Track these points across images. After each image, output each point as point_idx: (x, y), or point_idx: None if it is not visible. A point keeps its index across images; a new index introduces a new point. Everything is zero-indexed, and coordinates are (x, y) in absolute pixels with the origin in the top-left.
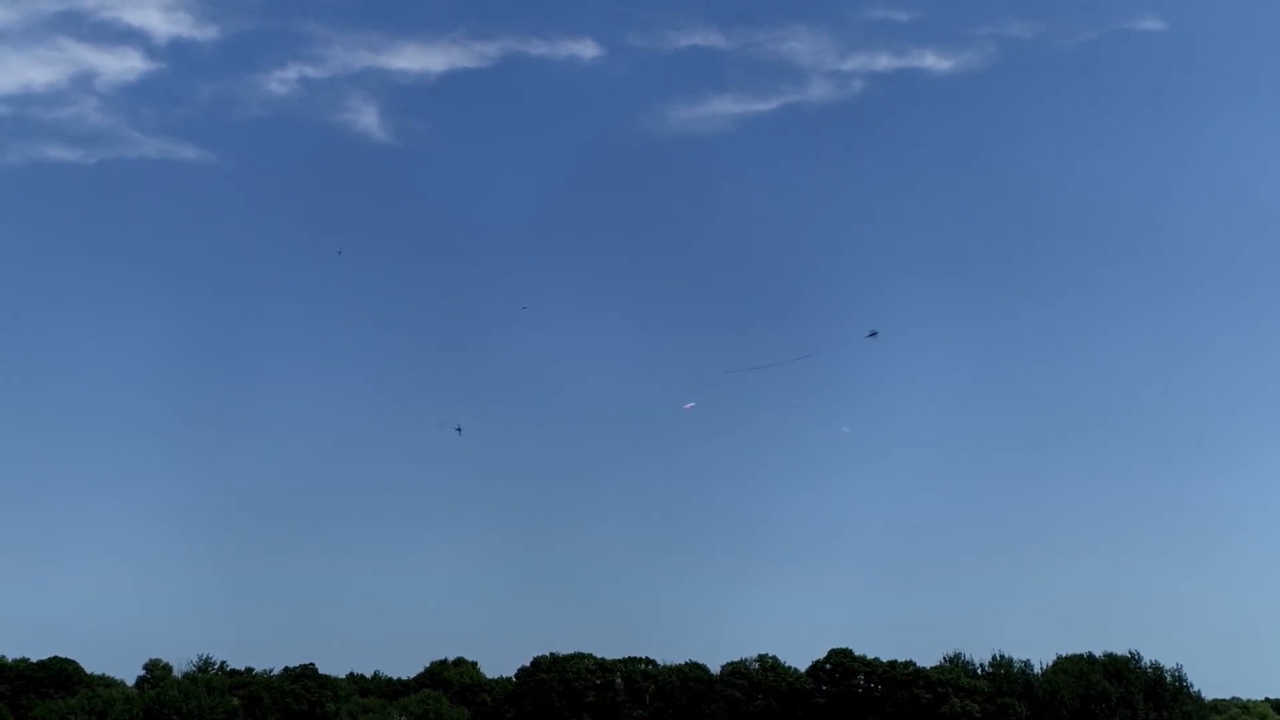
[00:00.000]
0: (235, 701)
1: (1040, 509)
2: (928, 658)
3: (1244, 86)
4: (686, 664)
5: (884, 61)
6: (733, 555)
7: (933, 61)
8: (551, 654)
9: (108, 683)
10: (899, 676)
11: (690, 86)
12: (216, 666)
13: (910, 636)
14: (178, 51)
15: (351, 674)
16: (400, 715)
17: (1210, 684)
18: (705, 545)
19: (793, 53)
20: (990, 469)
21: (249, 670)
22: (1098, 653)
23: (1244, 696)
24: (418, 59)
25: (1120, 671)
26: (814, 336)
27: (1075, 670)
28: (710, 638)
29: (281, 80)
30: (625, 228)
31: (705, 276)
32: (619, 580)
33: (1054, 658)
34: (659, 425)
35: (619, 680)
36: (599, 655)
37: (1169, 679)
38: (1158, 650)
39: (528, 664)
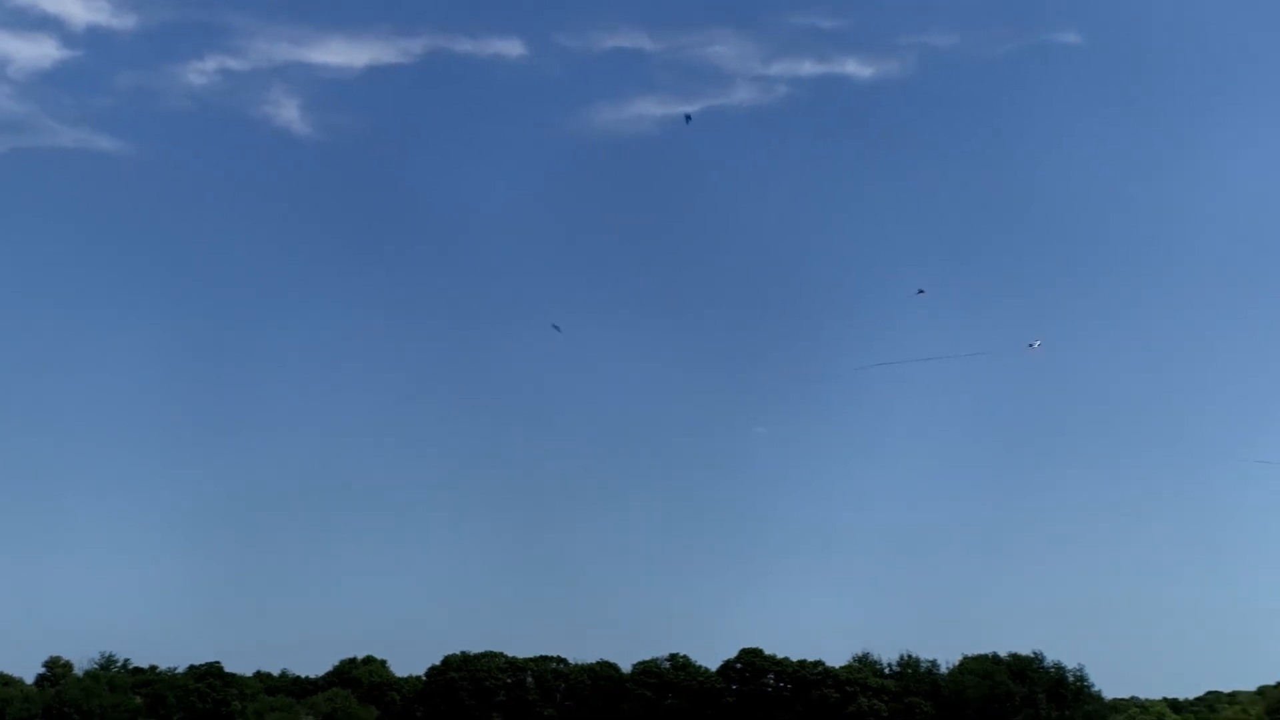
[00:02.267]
0: (138, 700)
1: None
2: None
3: (1155, 98)
4: (598, 663)
5: (808, 67)
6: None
7: (855, 69)
8: (462, 652)
9: (6, 680)
10: (808, 676)
11: (616, 88)
12: (120, 664)
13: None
14: (95, 40)
15: (259, 672)
16: (308, 714)
17: (1111, 684)
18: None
19: (718, 56)
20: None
21: (153, 668)
22: (1003, 653)
23: (1143, 696)
24: (341, 53)
25: (1024, 671)
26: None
27: (981, 670)
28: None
29: (201, 71)
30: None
31: (645, 274)
32: (530, 577)
33: (960, 658)
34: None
35: (530, 679)
36: (510, 654)
37: (1071, 679)
38: (1063, 651)
39: (438, 663)
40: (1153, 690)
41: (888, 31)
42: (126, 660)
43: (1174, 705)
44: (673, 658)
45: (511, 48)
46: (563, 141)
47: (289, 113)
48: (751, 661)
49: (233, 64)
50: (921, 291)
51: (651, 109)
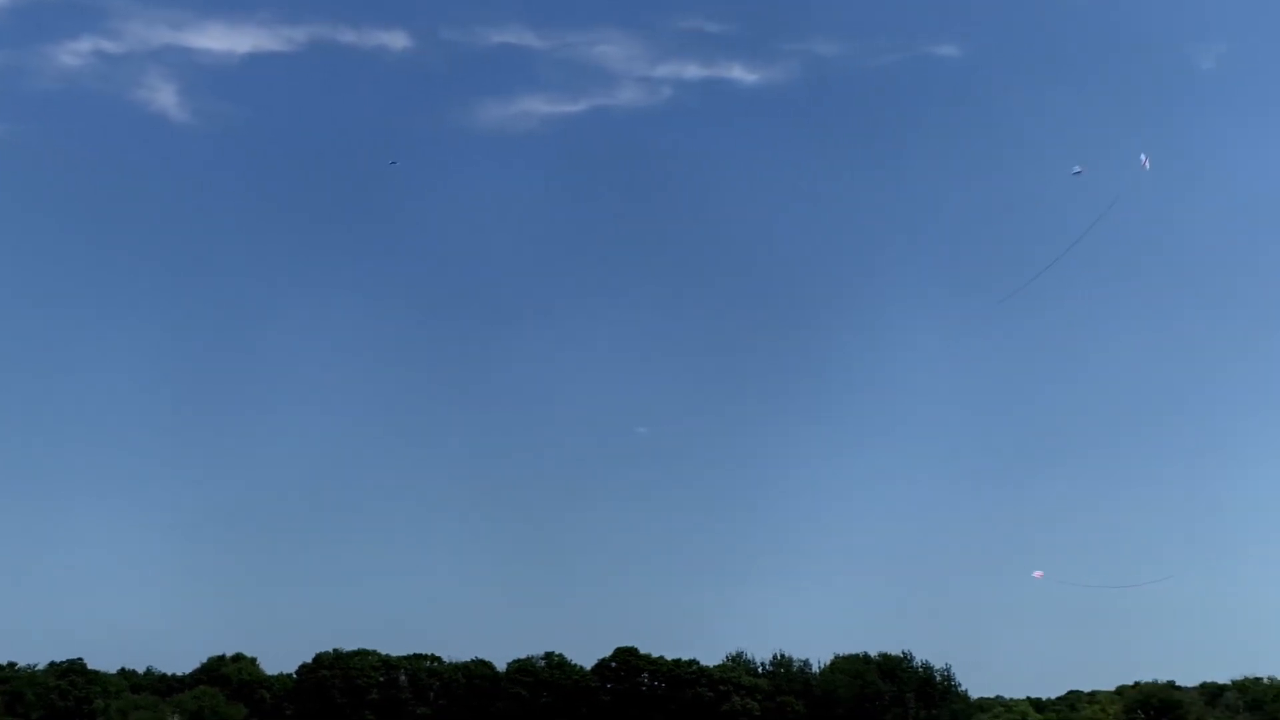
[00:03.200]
0: None
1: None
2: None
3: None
4: (472, 661)
5: (693, 70)
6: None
7: (740, 73)
8: (335, 650)
9: None
10: (682, 675)
11: (502, 84)
12: None
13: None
14: None
15: (123, 669)
16: (174, 712)
17: (977, 683)
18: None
19: (604, 56)
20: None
21: (11, 665)
22: (873, 653)
23: (1007, 696)
24: (222, 39)
25: (894, 671)
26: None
27: (851, 669)
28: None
29: (75, 53)
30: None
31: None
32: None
33: (832, 657)
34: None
35: (403, 678)
36: (383, 652)
37: (939, 678)
38: (933, 651)
39: (309, 660)
40: (1017, 690)
41: (773, 38)
42: None
43: (1037, 704)
44: (548, 656)
45: (396, 40)
46: (446, 135)
47: (166, 98)
48: (626, 660)
49: (108, 46)
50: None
51: (538, 106)
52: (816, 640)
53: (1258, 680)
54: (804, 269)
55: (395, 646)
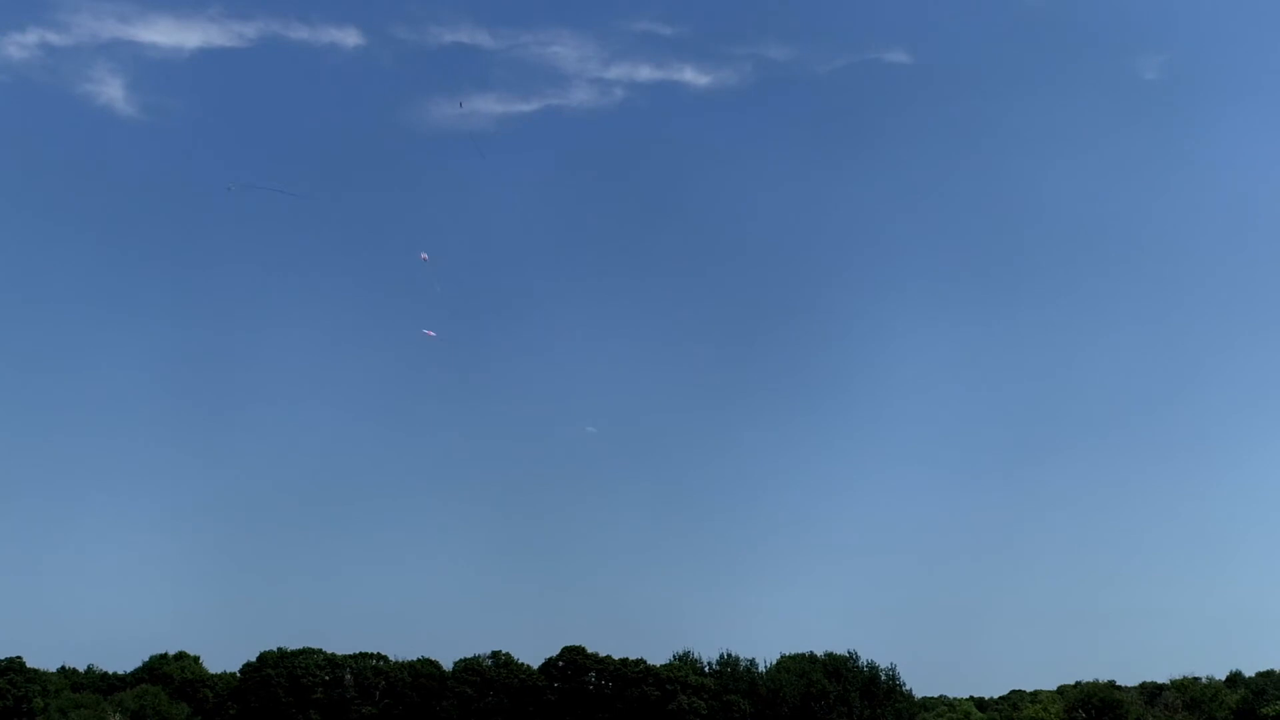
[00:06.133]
0: None
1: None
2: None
3: (978, 120)
4: (419, 660)
5: (645, 72)
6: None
7: (692, 76)
8: (279, 648)
9: None
10: (629, 674)
11: (453, 83)
12: None
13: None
14: None
15: (63, 668)
16: (115, 711)
17: (921, 683)
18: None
19: (557, 57)
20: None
21: None
22: (819, 652)
23: (951, 695)
24: (170, 34)
25: (839, 670)
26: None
27: (797, 669)
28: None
29: (21, 45)
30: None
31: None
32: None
33: (779, 656)
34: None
35: (348, 676)
36: (328, 650)
37: (884, 677)
38: (878, 651)
39: (253, 659)
40: (960, 689)
41: (725, 41)
42: None
43: (979, 704)
44: (495, 655)
45: (348, 37)
46: (396, 133)
47: (113, 91)
48: (573, 659)
49: (55, 38)
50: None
51: (490, 106)
52: (763, 640)
53: (1195, 680)
54: (757, 268)
55: (341, 645)
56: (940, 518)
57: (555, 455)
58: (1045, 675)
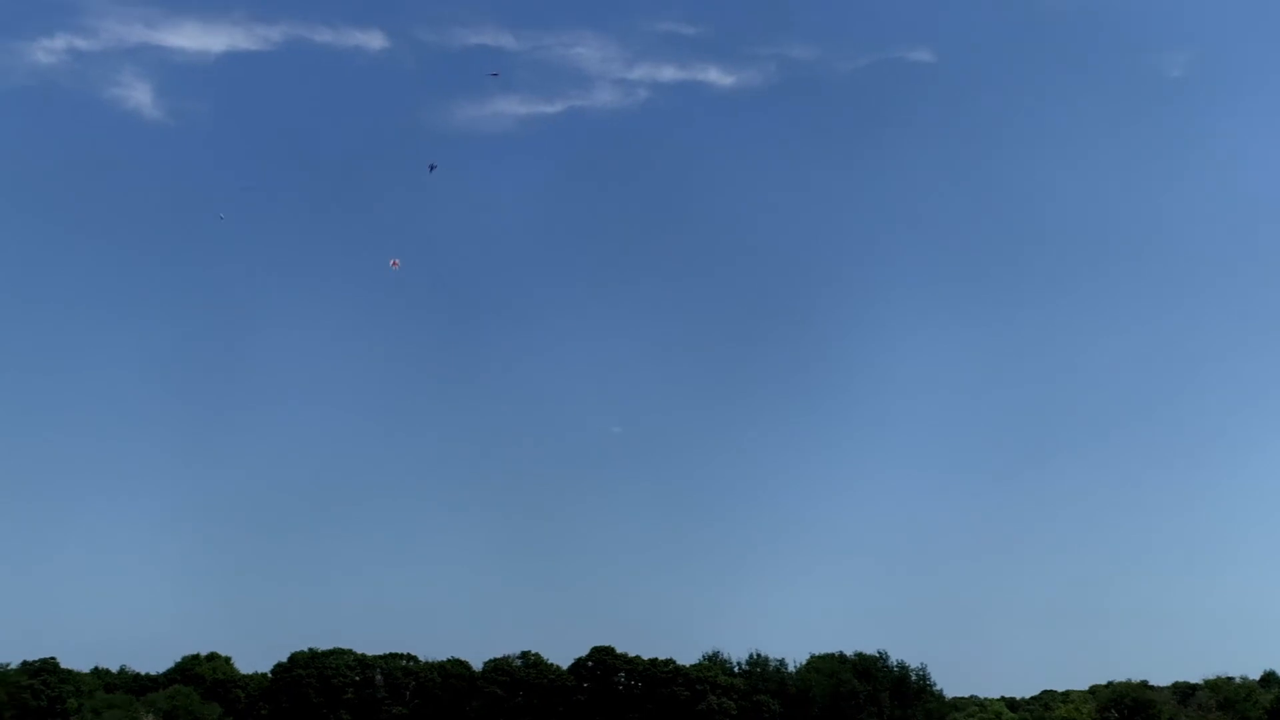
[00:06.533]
0: None
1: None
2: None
3: (1001, 118)
4: (449, 660)
5: (669, 73)
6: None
7: (716, 76)
8: (310, 649)
9: None
10: (659, 674)
11: (476, 84)
12: None
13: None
14: None
15: (96, 668)
16: (148, 712)
17: (952, 683)
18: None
19: (580, 58)
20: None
21: None
22: (849, 652)
23: (982, 695)
24: (196, 37)
25: (869, 670)
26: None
27: (827, 669)
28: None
29: (49, 50)
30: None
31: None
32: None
33: (808, 656)
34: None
35: (379, 677)
36: (359, 651)
37: (914, 678)
38: (908, 651)
39: (284, 659)
40: (991, 689)
41: (748, 41)
42: None
43: (1011, 704)
44: (525, 655)
45: (372, 40)
46: (420, 135)
47: (140, 96)
48: (603, 659)
49: (82, 43)
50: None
51: (513, 107)
52: (792, 639)
53: (1229, 679)
54: (778, 269)
55: (371, 645)
56: (968, 517)
57: (576, 455)
58: (1077, 675)
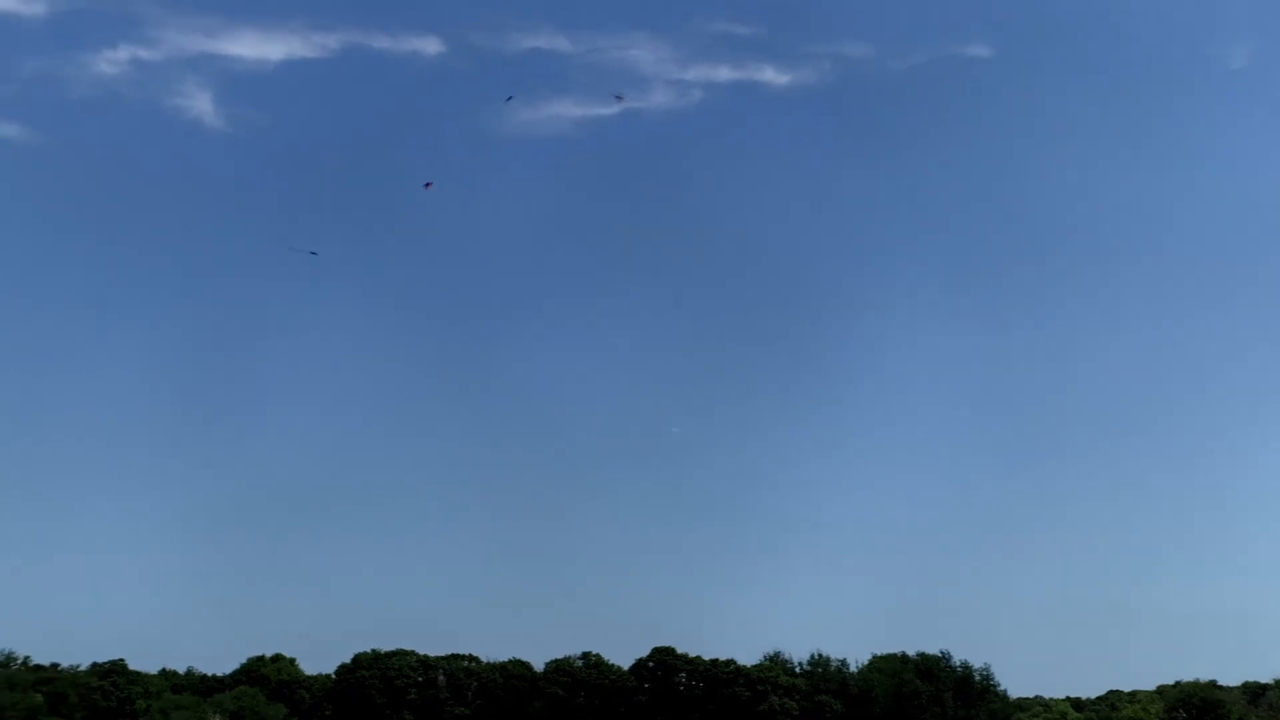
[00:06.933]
0: (39, 698)
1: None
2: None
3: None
4: (510, 661)
5: (724, 73)
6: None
7: (772, 75)
8: (373, 650)
9: None
10: (720, 674)
11: (532, 88)
12: (20, 661)
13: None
14: (1, 26)
15: (164, 670)
16: (214, 712)
17: (1016, 683)
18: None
19: (635, 60)
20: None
21: (54, 666)
22: (911, 652)
23: (1047, 695)
24: (255, 46)
25: (931, 670)
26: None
27: (889, 669)
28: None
29: (112, 61)
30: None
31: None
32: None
33: (870, 656)
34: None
35: (441, 677)
36: (421, 652)
37: (977, 678)
38: (972, 651)
39: (348, 661)
40: (1056, 689)
41: (803, 40)
42: (27, 657)
43: (1076, 704)
44: (586, 656)
45: (429, 45)
46: (477, 139)
47: (201, 105)
48: (664, 660)
49: (144, 54)
50: None
51: (569, 109)
52: (854, 640)
53: None
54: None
55: (433, 646)
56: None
57: (631, 455)
58: (1143, 675)
